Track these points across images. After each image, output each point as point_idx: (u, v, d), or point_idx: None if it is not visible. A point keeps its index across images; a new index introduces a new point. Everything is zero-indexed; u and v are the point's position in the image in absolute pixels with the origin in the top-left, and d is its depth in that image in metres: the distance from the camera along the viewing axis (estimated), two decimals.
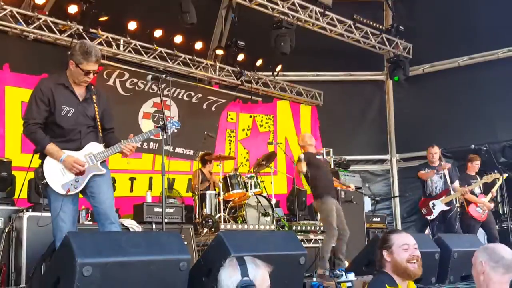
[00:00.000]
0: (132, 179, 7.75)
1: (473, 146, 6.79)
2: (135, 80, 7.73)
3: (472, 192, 6.69)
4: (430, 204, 6.57)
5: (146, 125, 7.94)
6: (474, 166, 6.92)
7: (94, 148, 3.44)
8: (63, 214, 3.31)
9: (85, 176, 3.37)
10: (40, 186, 3.37)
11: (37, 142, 3.36)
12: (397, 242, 2.75)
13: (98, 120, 3.47)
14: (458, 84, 9.56)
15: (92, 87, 3.51)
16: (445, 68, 9.83)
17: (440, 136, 9.53)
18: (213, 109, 8.86)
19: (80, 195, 3.50)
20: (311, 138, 5.94)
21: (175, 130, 3.88)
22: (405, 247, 2.73)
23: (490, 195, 6.79)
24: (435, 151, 6.73)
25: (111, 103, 7.47)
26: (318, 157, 5.90)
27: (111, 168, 7.32)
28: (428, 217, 6.57)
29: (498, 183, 6.86)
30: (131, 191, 7.63)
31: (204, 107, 8.74)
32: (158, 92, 4.79)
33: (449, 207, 6.55)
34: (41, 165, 3.35)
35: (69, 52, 3.48)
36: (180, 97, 8.37)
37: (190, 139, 7.86)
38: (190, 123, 7.84)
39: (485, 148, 6.87)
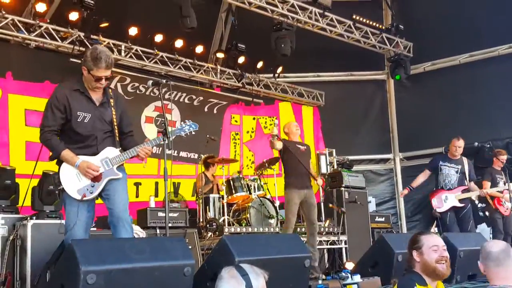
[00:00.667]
0: (137, 184, 7.75)
1: (476, 143, 6.71)
2: (137, 84, 7.77)
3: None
4: (443, 196, 6.33)
5: (149, 129, 7.97)
6: (501, 160, 6.77)
7: (110, 152, 3.45)
8: (78, 220, 3.34)
9: (101, 181, 3.39)
10: (57, 192, 3.37)
11: (52, 148, 3.39)
12: (427, 243, 2.87)
13: (115, 124, 3.47)
14: (460, 82, 9.53)
15: (110, 90, 3.51)
16: (446, 66, 9.79)
17: (443, 134, 9.45)
18: (215, 111, 8.86)
19: (98, 200, 3.52)
20: (297, 128, 5.98)
21: (193, 132, 3.89)
22: (434, 248, 2.85)
23: None
24: (460, 144, 6.42)
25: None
26: (298, 146, 5.83)
27: None
28: (438, 209, 6.31)
29: None
30: (137, 196, 7.63)
31: (206, 109, 8.74)
32: (159, 96, 4.78)
33: (462, 205, 6.31)
34: (58, 171, 3.39)
35: (82, 59, 3.51)
36: (181, 100, 8.38)
37: (194, 143, 7.83)
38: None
39: (488, 146, 6.79)
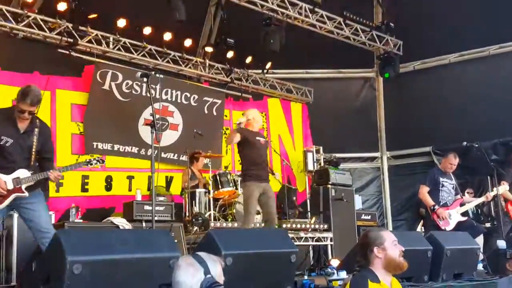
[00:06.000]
0: (130, 178, 7.68)
1: (464, 143, 6.70)
2: (130, 83, 7.57)
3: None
4: (446, 214, 6.10)
5: (147, 132, 7.78)
6: None
7: (22, 173, 3.90)
8: None
9: (7, 196, 3.84)
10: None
11: None
12: (389, 239, 2.90)
13: (33, 150, 3.93)
14: (449, 81, 9.53)
15: (37, 121, 3.96)
16: (436, 65, 9.79)
17: (431, 133, 9.54)
18: (214, 113, 8.75)
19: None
20: (258, 116, 5.76)
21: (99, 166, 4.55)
22: (395, 243, 2.90)
23: None
24: (456, 162, 6.23)
25: (110, 111, 7.45)
26: (258, 138, 5.59)
27: (109, 166, 7.28)
28: (445, 228, 6.05)
29: None
30: (129, 190, 7.56)
31: (206, 111, 8.61)
32: (148, 89, 4.78)
33: (465, 218, 6.25)
34: None
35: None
36: (179, 100, 8.22)
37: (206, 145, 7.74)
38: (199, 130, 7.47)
39: (476, 145, 6.78)
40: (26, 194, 3.88)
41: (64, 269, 2.48)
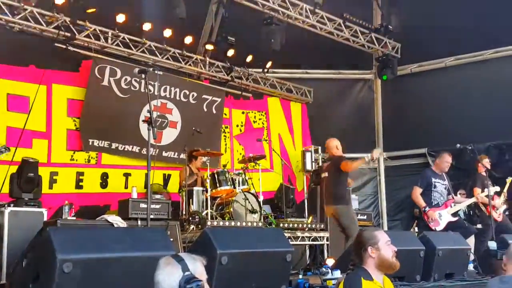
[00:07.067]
0: (126, 175, 7.61)
1: (458, 145, 6.74)
2: (129, 79, 7.48)
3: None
4: (436, 214, 6.14)
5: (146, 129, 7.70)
6: (484, 165, 6.72)
7: None
8: None
9: None
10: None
11: None
12: (382, 239, 2.94)
13: None
14: (445, 84, 9.62)
15: None
16: (432, 68, 9.89)
17: (426, 135, 9.65)
18: (214, 111, 8.69)
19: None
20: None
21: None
22: (388, 243, 2.94)
23: (503, 196, 6.89)
24: (451, 160, 6.35)
25: (109, 107, 7.37)
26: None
27: (105, 163, 7.23)
28: (436, 228, 6.10)
29: (508, 184, 7.05)
30: (126, 187, 7.49)
31: (205, 109, 8.54)
32: (146, 86, 4.69)
33: (456, 218, 6.29)
34: None
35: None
36: (178, 98, 8.15)
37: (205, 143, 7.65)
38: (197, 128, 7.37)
39: (470, 148, 6.83)
40: None
41: (54, 267, 2.43)
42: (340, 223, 5.93)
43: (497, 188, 6.77)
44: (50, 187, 6.73)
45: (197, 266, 1.92)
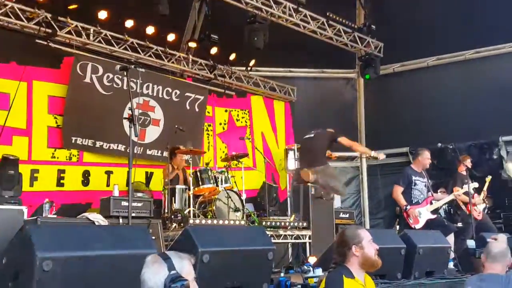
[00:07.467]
0: (108, 173, 7.56)
1: (439, 144, 6.86)
2: (111, 76, 7.41)
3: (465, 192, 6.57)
4: (416, 212, 6.18)
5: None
6: (465, 165, 6.82)
7: None
8: None
9: None
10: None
11: None
12: (366, 237, 2.95)
13: None
14: (427, 84, 9.76)
15: None
16: (414, 67, 10.02)
17: (408, 134, 9.76)
18: (196, 109, 8.65)
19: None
20: None
21: None
22: (371, 241, 2.96)
23: (482, 194, 6.98)
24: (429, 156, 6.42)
25: (92, 105, 7.29)
26: None
27: (87, 161, 7.15)
28: (415, 226, 6.14)
29: (487, 183, 7.16)
30: (107, 185, 7.43)
31: (188, 107, 8.51)
32: (128, 83, 4.66)
33: (435, 216, 6.34)
34: None
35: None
36: (160, 95, 8.10)
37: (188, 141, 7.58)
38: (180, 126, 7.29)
39: (451, 147, 6.95)
40: None
41: (34, 265, 2.41)
42: (321, 184, 5.81)
43: (476, 184, 6.86)
44: (31, 184, 6.65)
45: (184, 265, 1.91)
